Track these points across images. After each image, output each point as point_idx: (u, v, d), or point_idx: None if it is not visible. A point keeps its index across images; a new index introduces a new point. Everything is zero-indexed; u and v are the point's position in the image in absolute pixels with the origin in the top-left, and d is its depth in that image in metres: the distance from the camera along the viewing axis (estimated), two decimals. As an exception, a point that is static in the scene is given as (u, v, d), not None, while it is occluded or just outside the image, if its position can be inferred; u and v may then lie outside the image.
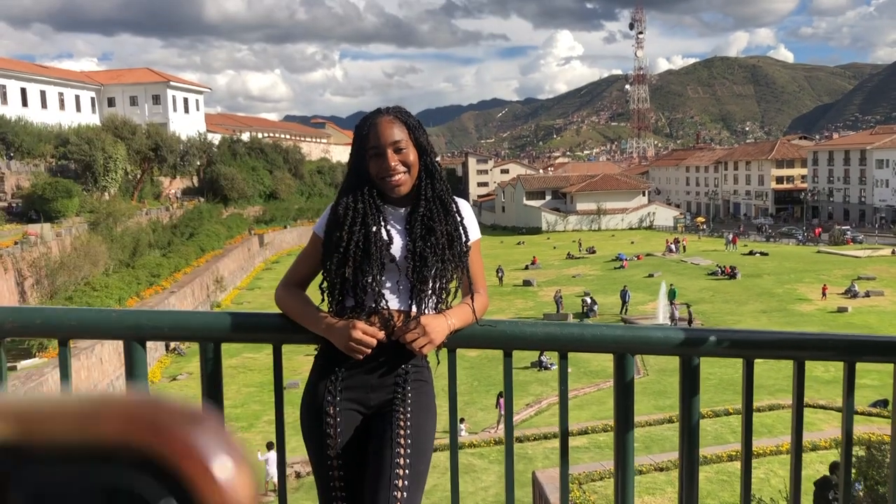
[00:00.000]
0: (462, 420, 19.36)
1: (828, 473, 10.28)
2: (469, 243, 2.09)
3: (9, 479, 0.18)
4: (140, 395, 0.19)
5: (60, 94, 56.48)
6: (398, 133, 2.02)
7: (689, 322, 31.61)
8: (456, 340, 2.03)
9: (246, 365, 28.50)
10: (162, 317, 2.06)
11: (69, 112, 56.15)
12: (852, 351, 2.03)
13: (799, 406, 2.06)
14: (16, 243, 28.39)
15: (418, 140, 2.05)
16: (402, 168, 2.02)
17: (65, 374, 1.92)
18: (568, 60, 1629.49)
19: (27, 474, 0.17)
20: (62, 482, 0.17)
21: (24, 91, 52.04)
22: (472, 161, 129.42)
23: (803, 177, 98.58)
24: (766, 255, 54.04)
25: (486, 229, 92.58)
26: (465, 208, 2.13)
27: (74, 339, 1.98)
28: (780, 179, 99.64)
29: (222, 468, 0.16)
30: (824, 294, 36.50)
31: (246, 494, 0.16)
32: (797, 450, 2.09)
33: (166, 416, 0.16)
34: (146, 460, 0.16)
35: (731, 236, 64.65)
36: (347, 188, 2.06)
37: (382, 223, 2.02)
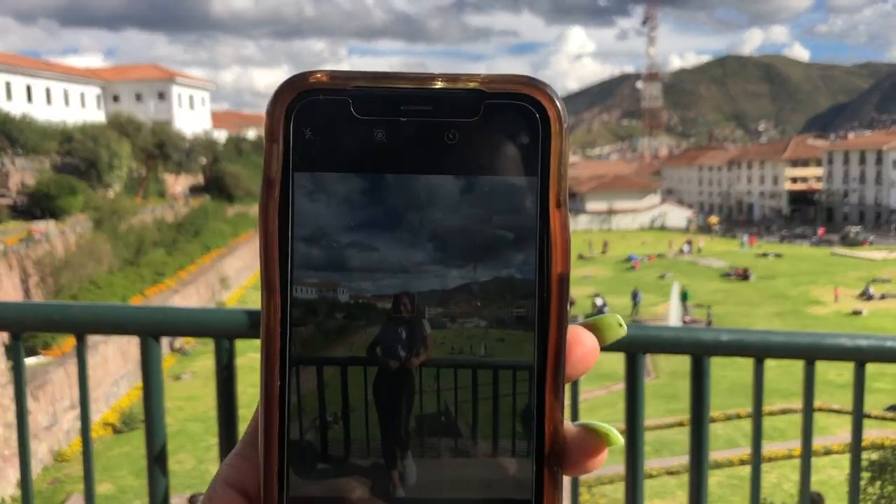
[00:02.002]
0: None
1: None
2: None
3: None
4: None
5: (65, 91, 56.36)
6: None
7: (708, 325, 31.00)
8: None
9: (252, 365, 27.94)
10: (178, 313, 2.17)
11: (74, 109, 56.00)
12: (861, 352, 2.04)
13: (808, 407, 2.12)
14: (21, 241, 28.13)
15: None
16: None
17: (82, 367, 2.05)
18: (579, 57, 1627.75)
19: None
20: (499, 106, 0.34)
21: (29, 88, 51.95)
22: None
23: (818, 177, 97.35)
24: (780, 256, 53.30)
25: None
26: None
27: (91, 334, 2.05)
28: (794, 180, 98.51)
29: (560, 106, 0.34)
30: (836, 297, 35.84)
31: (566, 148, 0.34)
32: (806, 452, 2.16)
33: (539, 82, 0.32)
34: (528, 97, 0.33)
35: (746, 237, 63.94)
36: None
37: None
